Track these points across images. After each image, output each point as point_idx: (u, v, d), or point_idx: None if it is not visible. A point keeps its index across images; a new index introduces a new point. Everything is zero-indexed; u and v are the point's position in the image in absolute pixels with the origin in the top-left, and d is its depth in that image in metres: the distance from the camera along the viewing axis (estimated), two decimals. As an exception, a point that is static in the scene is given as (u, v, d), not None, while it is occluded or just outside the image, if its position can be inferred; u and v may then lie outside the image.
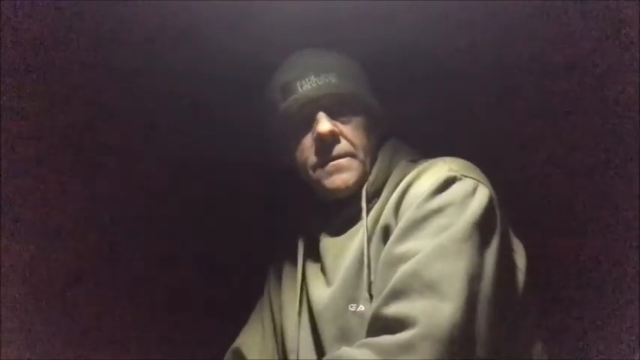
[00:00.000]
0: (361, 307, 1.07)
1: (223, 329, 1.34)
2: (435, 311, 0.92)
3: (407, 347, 0.91)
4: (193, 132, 1.44)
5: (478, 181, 1.05)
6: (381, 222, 1.09)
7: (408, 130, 1.25)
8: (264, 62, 1.25)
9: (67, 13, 1.19)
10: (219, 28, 1.29)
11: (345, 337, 1.07)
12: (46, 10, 1.17)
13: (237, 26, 1.29)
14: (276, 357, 1.25)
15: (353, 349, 0.97)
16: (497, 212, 1.04)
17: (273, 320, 1.28)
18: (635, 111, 1.21)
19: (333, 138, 1.14)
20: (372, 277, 1.07)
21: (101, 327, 1.34)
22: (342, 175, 1.14)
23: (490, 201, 1.03)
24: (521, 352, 1.06)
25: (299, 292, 1.18)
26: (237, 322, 1.33)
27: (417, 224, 1.01)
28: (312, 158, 1.16)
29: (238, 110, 1.36)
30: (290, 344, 1.19)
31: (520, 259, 1.10)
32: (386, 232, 1.08)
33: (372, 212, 1.13)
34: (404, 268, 0.97)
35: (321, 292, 1.14)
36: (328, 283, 1.15)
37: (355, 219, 1.15)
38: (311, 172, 1.17)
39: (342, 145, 1.15)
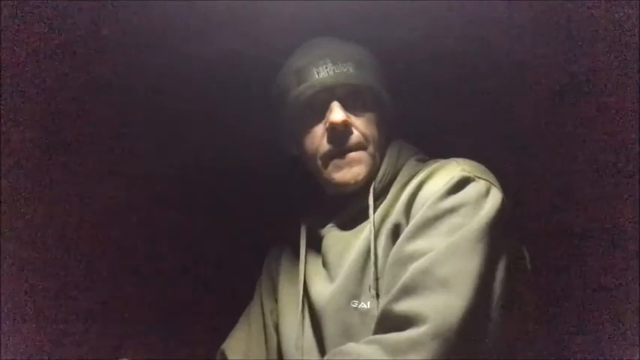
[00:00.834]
0: (362, 304, 1.06)
1: (221, 331, 1.34)
2: (446, 309, 0.92)
3: (417, 344, 0.90)
4: (193, 132, 1.44)
5: (491, 183, 1.04)
6: (391, 220, 1.08)
7: (408, 130, 1.25)
8: (264, 62, 1.25)
9: (67, 13, 1.20)
10: (219, 28, 1.29)
11: (347, 334, 1.06)
12: (45, 12, 1.17)
13: (237, 26, 1.29)
14: (263, 357, 1.25)
15: (361, 345, 0.96)
16: (509, 216, 1.04)
17: (264, 321, 1.27)
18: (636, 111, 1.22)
19: (346, 128, 1.12)
20: (379, 275, 1.06)
21: (101, 327, 1.34)
22: (352, 169, 1.12)
23: (503, 204, 1.02)
24: (525, 352, 1.06)
25: (302, 289, 1.17)
26: (232, 325, 1.32)
27: (429, 223, 1.00)
28: (322, 147, 1.14)
29: (238, 110, 1.36)
30: (287, 342, 1.18)
31: (527, 262, 1.10)
32: (396, 231, 1.07)
33: (380, 210, 1.12)
34: (416, 265, 0.97)
35: (322, 288, 1.13)
36: (331, 279, 1.13)
37: (361, 216, 1.14)
38: (320, 161, 1.15)
39: (354, 137, 1.13)
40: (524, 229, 1.13)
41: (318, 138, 1.14)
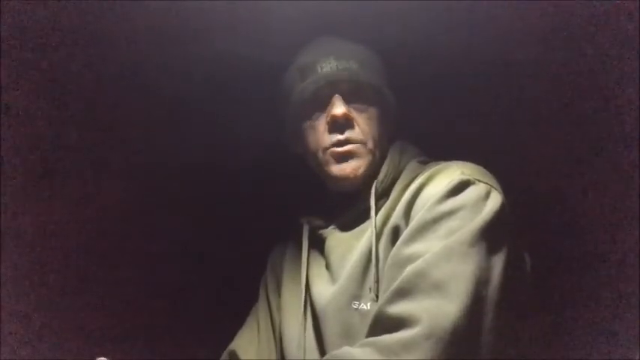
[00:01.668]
0: (363, 305, 1.07)
1: (224, 330, 1.34)
2: (439, 311, 0.92)
3: (410, 346, 0.91)
4: (193, 133, 1.44)
5: (491, 186, 1.04)
6: (391, 222, 1.08)
7: (408, 130, 1.25)
8: (264, 63, 1.25)
9: (66, 13, 1.20)
10: (219, 28, 1.29)
11: (348, 335, 1.06)
12: (45, 12, 1.18)
13: (237, 27, 1.29)
14: (273, 357, 1.25)
15: (355, 349, 0.96)
16: (509, 219, 1.03)
17: (272, 320, 1.27)
18: (635, 109, 1.22)
19: (347, 121, 1.13)
20: (379, 277, 1.06)
21: (101, 327, 1.34)
22: (351, 162, 1.13)
23: (502, 207, 1.02)
24: (524, 352, 1.05)
25: (304, 290, 1.17)
26: (238, 324, 1.32)
27: (427, 226, 1.00)
28: (323, 141, 1.14)
29: (238, 110, 1.37)
30: (289, 342, 1.18)
31: (527, 266, 1.09)
32: (395, 233, 1.07)
33: (381, 211, 1.12)
34: (411, 268, 0.97)
35: (324, 289, 1.14)
36: (333, 280, 1.14)
37: (363, 217, 1.14)
38: (321, 154, 1.15)
39: (354, 131, 1.13)
40: (523, 227, 1.14)
41: (320, 133, 1.15)
